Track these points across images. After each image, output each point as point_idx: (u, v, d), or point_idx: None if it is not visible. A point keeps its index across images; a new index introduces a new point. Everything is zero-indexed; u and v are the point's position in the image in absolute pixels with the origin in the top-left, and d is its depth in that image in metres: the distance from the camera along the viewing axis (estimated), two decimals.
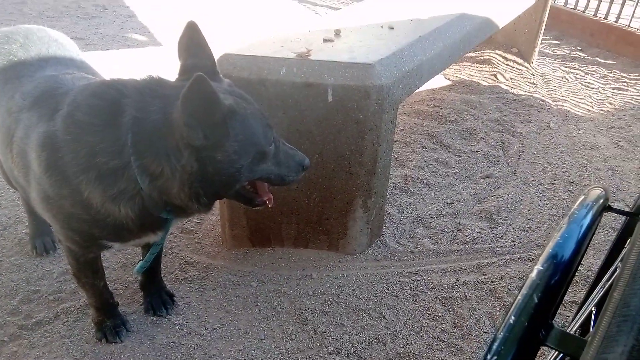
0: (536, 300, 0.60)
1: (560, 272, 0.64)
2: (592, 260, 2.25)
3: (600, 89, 4.15)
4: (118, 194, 1.30)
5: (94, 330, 1.80)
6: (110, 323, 1.78)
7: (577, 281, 2.14)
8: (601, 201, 0.81)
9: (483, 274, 2.17)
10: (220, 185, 1.33)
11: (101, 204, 1.32)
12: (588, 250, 2.33)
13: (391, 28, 2.37)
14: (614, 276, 0.77)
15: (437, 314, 1.96)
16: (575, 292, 2.07)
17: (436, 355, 1.79)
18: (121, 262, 2.14)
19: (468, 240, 2.38)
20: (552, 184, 2.84)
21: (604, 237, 2.42)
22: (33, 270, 2.06)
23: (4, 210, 2.39)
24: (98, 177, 1.29)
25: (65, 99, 1.36)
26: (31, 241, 2.15)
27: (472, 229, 2.45)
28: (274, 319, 1.90)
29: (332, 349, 1.79)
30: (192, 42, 1.43)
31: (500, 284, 2.12)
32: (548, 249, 0.67)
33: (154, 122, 1.25)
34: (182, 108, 1.16)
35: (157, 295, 1.91)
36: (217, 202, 1.56)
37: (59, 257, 2.14)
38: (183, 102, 1.15)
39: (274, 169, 1.43)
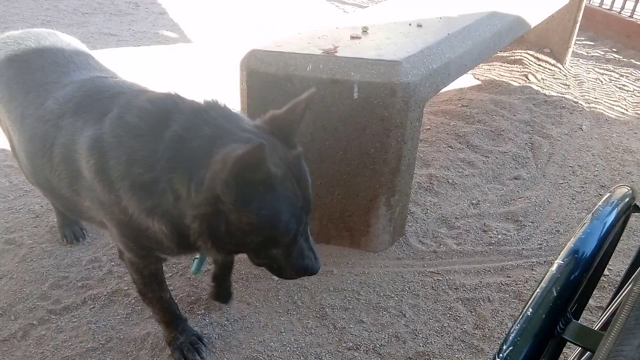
0: (555, 294, 0.60)
1: (581, 268, 0.63)
2: (621, 266, 2.19)
3: (635, 91, 4.03)
4: (152, 208, 1.24)
5: (169, 353, 1.71)
6: (184, 339, 1.69)
7: (605, 286, 2.08)
8: (627, 200, 0.79)
9: (507, 276, 2.14)
10: (229, 244, 1.24)
11: (137, 215, 1.27)
12: (617, 255, 2.26)
13: (419, 26, 2.36)
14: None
15: (458, 315, 1.94)
16: (603, 298, 2.02)
17: (456, 356, 1.78)
18: None
19: (493, 241, 2.34)
20: (582, 187, 2.77)
21: (635, 243, 2.35)
22: (63, 257, 2.13)
23: (37, 198, 2.48)
24: (132, 187, 1.24)
25: (115, 101, 1.32)
26: (60, 230, 2.21)
27: (497, 231, 2.41)
28: (294, 312, 1.92)
29: (351, 344, 1.79)
30: (299, 106, 1.29)
31: (525, 286, 2.08)
32: (570, 244, 0.66)
33: (195, 147, 1.18)
34: (230, 167, 1.07)
35: (221, 288, 1.89)
36: None
37: (88, 245, 2.20)
38: (234, 163, 1.06)
39: (280, 260, 1.31)
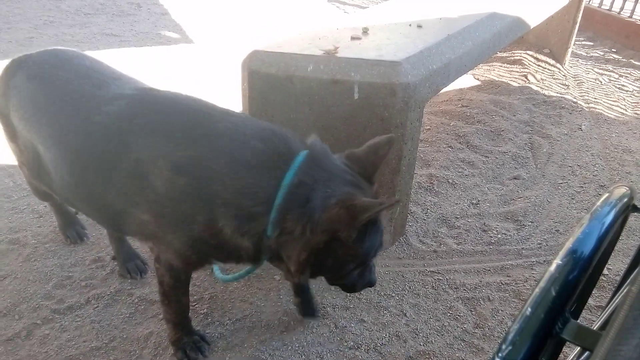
0: (553, 294, 0.61)
1: (579, 268, 0.65)
2: (620, 265, 2.21)
3: (634, 91, 4.05)
4: (247, 231, 1.34)
5: (172, 352, 1.73)
6: (188, 339, 1.72)
7: (604, 286, 2.10)
8: (625, 200, 0.80)
9: (507, 276, 2.15)
10: (326, 272, 1.43)
11: (230, 236, 1.35)
12: (617, 255, 2.27)
13: (419, 26, 2.37)
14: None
15: (458, 314, 1.95)
16: (602, 297, 2.04)
17: (457, 355, 1.79)
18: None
19: (493, 241, 2.36)
20: (581, 187, 2.79)
21: (634, 243, 2.36)
22: (67, 257, 2.14)
23: None
24: (237, 215, 1.32)
25: (205, 125, 1.36)
26: (62, 231, 2.21)
27: (497, 230, 2.42)
28: (295, 312, 1.93)
29: (352, 343, 1.81)
30: (382, 149, 1.43)
31: (524, 286, 2.09)
32: (568, 244, 0.68)
33: (311, 190, 1.29)
34: (364, 218, 1.23)
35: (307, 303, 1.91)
36: None
37: (91, 245, 2.22)
38: (369, 215, 1.23)
39: (355, 278, 1.48)
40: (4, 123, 1.78)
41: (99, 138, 1.44)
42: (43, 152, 1.60)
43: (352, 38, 2.15)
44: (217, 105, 1.47)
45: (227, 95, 3.46)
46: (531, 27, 3.20)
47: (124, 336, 1.80)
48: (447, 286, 2.08)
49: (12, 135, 1.77)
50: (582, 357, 0.87)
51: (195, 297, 1.98)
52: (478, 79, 4.11)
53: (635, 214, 0.92)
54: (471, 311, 1.97)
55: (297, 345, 1.80)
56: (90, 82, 1.57)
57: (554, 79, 4.15)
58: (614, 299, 1.05)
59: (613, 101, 3.85)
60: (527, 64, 4.29)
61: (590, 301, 1.98)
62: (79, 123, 1.48)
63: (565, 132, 3.34)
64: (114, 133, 1.42)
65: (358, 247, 1.32)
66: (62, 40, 4.51)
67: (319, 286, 2.04)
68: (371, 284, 1.54)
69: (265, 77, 1.96)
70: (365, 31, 2.25)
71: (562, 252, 0.66)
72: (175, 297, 1.63)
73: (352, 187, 1.32)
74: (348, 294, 2.01)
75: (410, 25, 2.39)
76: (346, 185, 1.32)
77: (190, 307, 1.92)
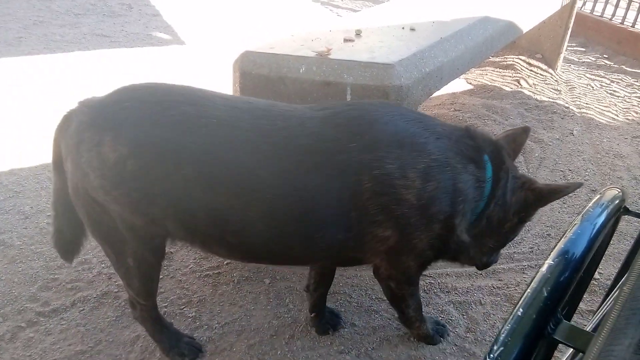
0: (545, 294, 0.59)
1: (571, 269, 0.63)
2: (611, 269, 2.21)
3: (625, 97, 4.07)
4: (467, 225, 1.48)
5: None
6: (432, 326, 1.82)
7: (595, 290, 2.09)
8: (617, 202, 0.79)
9: (499, 280, 2.14)
10: (490, 252, 1.63)
11: (459, 232, 1.46)
12: (608, 259, 2.27)
13: (412, 29, 2.37)
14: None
15: (450, 318, 1.94)
16: (594, 301, 2.03)
17: (448, 359, 1.77)
18: None
19: None
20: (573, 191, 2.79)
21: (626, 247, 2.36)
22: (52, 259, 2.11)
23: (27, 199, 2.45)
24: (470, 210, 1.45)
25: (427, 130, 1.40)
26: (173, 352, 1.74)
27: None
28: (285, 315, 1.91)
29: (342, 348, 1.79)
30: (519, 137, 1.63)
31: (516, 290, 2.08)
32: (560, 245, 0.67)
33: (506, 183, 1.48)
34: (548, 197, 1.49)
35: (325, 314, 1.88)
36: None
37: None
38: (553, 194, 1.48)
39: (496, 257, 1.76)
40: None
41: (325, 158, 1.30)
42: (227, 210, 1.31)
43: (345, 40, 2.14)
44: (422, 113, 1.58)
45: None
46: (523, 32, 3.21)
47: (110, 340, 1.77)
48: (438, 290, 2.07)
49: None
50: None
51: (183, 300, 1.95)
52: (471, 83, 4.12)
53: (627, 217, 0.91)
54: (463, 315, 1.96)
55: (286, 349, 1.77)
56: (205, 103, 1.34)
57: (546, 84, 4.17)
58: (605, 302, 1.05)
59: (604, 106, 3.87)
60: (519, 68, 4.31)
61: (582, 305, 1.97)
62: (271, 149, 1.28)
63: (557, 137, 3.34)
64: (345, 154, 1.30)
65: (519, 228, 1.58)
66: (51, 40, 4.48)
67: None
68: (495, 262, 1.77)
69: (257, 78, 1.95)
70: (358, 33, 2.24)
71: (554, 253, 0.65)
72: (415, 299, 1.67)
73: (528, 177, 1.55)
74: (339, 298, 1.99)
75: (403, 28, 2.38)
76: (518, 170, 1.55)
77: (179, 311, 1.90)
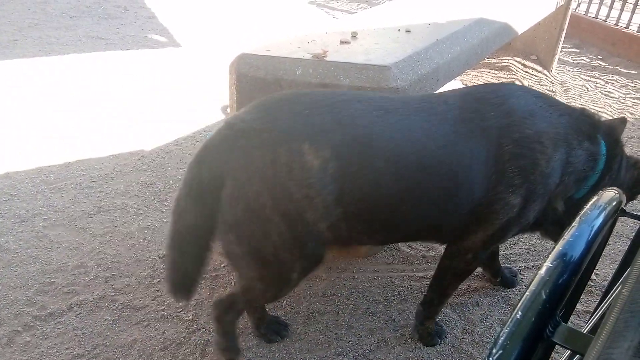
0: (544, 297, 0.60)
1: (570, 271, 0.64)
2: (608, 270, 2.21)
3: (620, 98, 4.09)
4: (568, 195, 1.58)
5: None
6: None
7: (592, 291, 2.10)
8: (614, 203, 0.79)
9: None
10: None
11: (557, 200, 1.55)
12: (604, 260, 2.27)
13: (408, 31, 2.37)
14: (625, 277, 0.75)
15: (447, 319, 1.94)
16: (590, 302, 2.04)
17: None
18: (134, 257, 2.16)
19: None
20: None
21: (622, 248, 2.37)
22: (49, 263, 2.10)
23: (22, 203, 2.44)
24: (576, 180, 1.54)
25: (553, 107, 1.55)
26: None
27: None
28: (283, 318, 1.90)
29: (340, 350, 1.79)
30: (618, 127, 1.69)
31: (513, 291, 2.09)
32: (558, 247, 0.67)
33: (619, 159, 1.63)
34: None
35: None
36: None
37: (74, 251, 2.17)
38: None
39: None
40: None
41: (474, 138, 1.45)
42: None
43: (341, 42, 2.14)
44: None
45: (215, 98, 3.44)
46: (519, 34, 3.23)
47: (107, 343, 1.76)
48: None
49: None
50: None
51: (180, 303, 1.94)
52: (466, 85, 4.13)
53: (623, 218, 0.91)
54: (460, 316, 1.96)
55: (284, 352, 1.77)
56: (389, 107, 1.44)
57: (541, 85, 4.19)
58: (602, 304, 1.05)
59: (599, 107, 3.89)
60: (514, 70, 4.32)
61: (579, 306, 1.98)
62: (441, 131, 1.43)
63: None
64: (479, 122, 1.45)
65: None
66: (47, 43, 4.46)
67: (306, 293, 2.02)
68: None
69: (253, 80, 1.95)
70: (354, 35, 2.25)
71: (553, 255, 0.65)
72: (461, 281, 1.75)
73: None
74: (336, 300, 1.99)
75: (399, 30, 2.39)
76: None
77: (176, 314, 1.90)
